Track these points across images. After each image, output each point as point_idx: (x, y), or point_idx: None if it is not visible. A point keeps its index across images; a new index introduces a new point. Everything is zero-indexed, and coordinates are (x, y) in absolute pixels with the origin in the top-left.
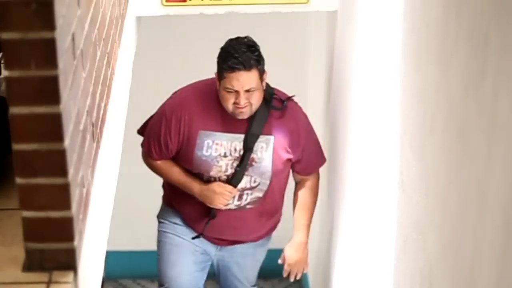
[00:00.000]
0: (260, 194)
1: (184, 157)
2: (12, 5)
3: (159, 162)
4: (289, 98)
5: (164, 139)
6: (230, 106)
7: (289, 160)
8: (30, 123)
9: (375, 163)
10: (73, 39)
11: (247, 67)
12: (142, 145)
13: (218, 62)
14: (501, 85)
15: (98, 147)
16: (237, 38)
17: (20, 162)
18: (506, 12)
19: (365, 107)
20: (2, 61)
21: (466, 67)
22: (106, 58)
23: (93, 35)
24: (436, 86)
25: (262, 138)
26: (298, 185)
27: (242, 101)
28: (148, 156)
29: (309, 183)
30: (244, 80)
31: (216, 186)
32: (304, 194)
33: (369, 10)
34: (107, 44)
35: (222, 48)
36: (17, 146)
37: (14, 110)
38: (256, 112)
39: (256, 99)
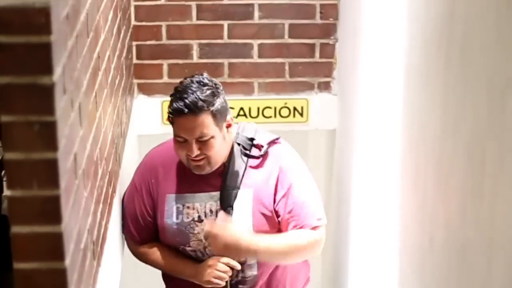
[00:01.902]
0: (254, 272)
1: (160, 231)
2: (15, 126)
3: (144, 248)
4: (272, 142)
5: (140, 212)
6: (184, 159)
7: (271, 213)
8: (31, 242)
9: None
10: (75, 159)
11: (194, 111)
12: (123, 231)
13: (169, 105)
14: (498, 205)
15: (98, 265)
16: (192, 76)
17: (21, 281)
18: (502, 131)
19: (366, 225)
20: (4, 179)
21: (463, 186)
22: (107, 177)
23: (94, 154)
24: (433, 205)
25: (240, 192)
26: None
27: (194, 152)
28: (131, 241)
29: (294, 232)
30: (192, 127)
31: (210, 259)
32: (292, 232)
33: (368, 128)
34: (108, 163)
35: (174, 89)
36: (18, 265)
37: (16, 229)
38: (230, 164)
39: (214, 150)
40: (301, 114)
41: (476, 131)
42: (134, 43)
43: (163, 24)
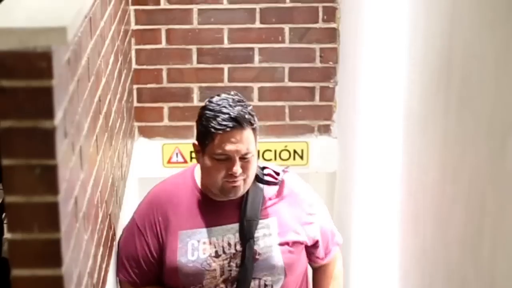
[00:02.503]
0: None
1: (168, 272)
2: (16, 169)
3: None
4: (284, 171)
5: (143, 255)
6: (219, 181)
7: (300, 243)
8: (32, 285)
9: None
10: (76, 202)
11: (242, 124)
12: (117, 274)
13: (201, 124)
14: (499, 249)
15: None
16: (220, 95)
17: None
18: (502, 176)
19: (366, 269)
20: (5, 222)
21: (463, 231)
22: (107, 220)
23: (95, 197)
24: (433, 250)
25: (262, 223)
26: (317, 274)
27: (238, 169)
28: (128, 286)
29: (330, 270)
30: (240, 142)
31: None
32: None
33: (368, 171)
34: (109, 206)
35: (204, 108)
36: None
37: (16, 272)
38: (248, 192)
39: (252, 170)
40: (301, 157)
41: (476, 177)
42: (135, 86)
43: (164, 67)
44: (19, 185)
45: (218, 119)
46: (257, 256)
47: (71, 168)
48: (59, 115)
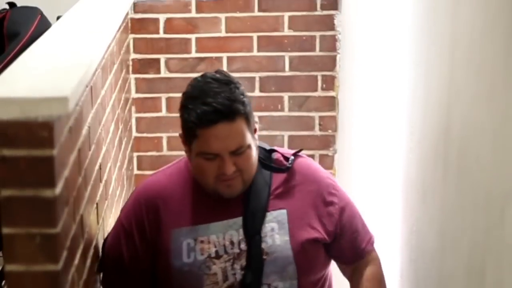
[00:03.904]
0: None
1: (161, 279)
2: (16, 238)
3: None
4: (296, 153)
5: (129, 259)
6: (211, 182)
7: (317, 240)
8: None
9: None
10: (76, 270)
11: (228, 116)
12: (102, 284)
13: (182, 116)
14: None
15: None
16: (203, 75)
17: None
18: (501, 246)
19: None
20: None
21: None
22: None
23: (95, 265)
24: None
25: (270, 216)
26: (351, 280)
27: (229, 169)
28: None
29: (369, 272)
30: (227, 137)
31: None
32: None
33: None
34: None
35: (184, 95)
36: None
37: None
38: (252, 182)
39: (250, 163)
40: None
41: (475, 247)
42: (135, 154)
43: (164, 135)
44: (20, 254)
45: (199, 111)
46: (264, 256)
47: (71, 237)
48: (60, 184)
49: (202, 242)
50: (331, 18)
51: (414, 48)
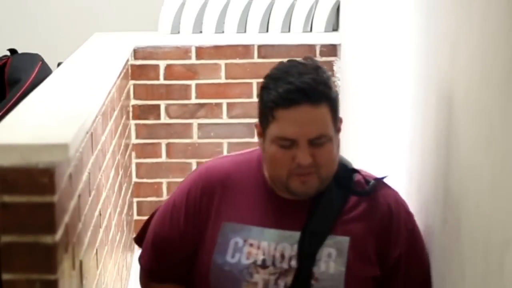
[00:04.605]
0: None
1: (199, 272)
2: (16, 284)
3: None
4: (381, 181)
5: (173, 239)
6: (283, 174)
7: (375, 278)
8: None
9: None
10: None
11: (312, 98)
12: (139, 258)
13: (260, 98)
14: None
15: None
16: (290, 60)
17: None
18: None
19: None
20: None
21: None
22: None
23: None
24: None
25: (330, 240)
26: None
27: (307, 158)
28: (145, 274)
29: None
30: (308, 121)
31: None
32: None
33: None
34: None
35: (266, 77)
36: None
37: None
38: (322, 195)
39: (329, 158)
40: None
41: None
42: (135, 199)
43: (164, 181)
44: None
45: (280, 90)
46: (312, 281)
47: (71, 283)
48: (60, 230)
49: (251, 245)
50: (330, 64)
51: (413, 93)
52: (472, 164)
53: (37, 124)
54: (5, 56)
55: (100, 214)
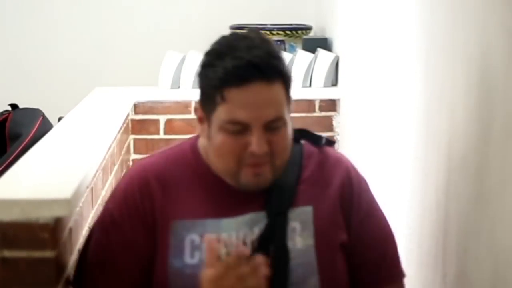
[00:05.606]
0: None
1: (156, 284)
2: None
3: None
4: (330, 141)
5: (122, 258)
6: (232, 166)
7: (344, 246)
8: None
9: None
10: None
11: (267, 75)
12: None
13: (202, 76)
14: None
15: None
16: (232, 33)
17: None
18: None
19: None
20: None
21: None
22: None
23: None
24: None
25: (292, 213)
26: None
27: (262, 147)
28: None
29: None
30: (265, 103)
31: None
32: None
33: None
34: None
35: (209, 53)
36: None
37: None
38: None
39: (284, 145)
40: None
41: None
42: None
43: None
44: None
45: (229, 65)
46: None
47: None
48: (60, 285)
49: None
50: (329, 119)
51: (413, 146)
52: (471, 220)
53: (38, 179)
54: (6, 111)
55: None
